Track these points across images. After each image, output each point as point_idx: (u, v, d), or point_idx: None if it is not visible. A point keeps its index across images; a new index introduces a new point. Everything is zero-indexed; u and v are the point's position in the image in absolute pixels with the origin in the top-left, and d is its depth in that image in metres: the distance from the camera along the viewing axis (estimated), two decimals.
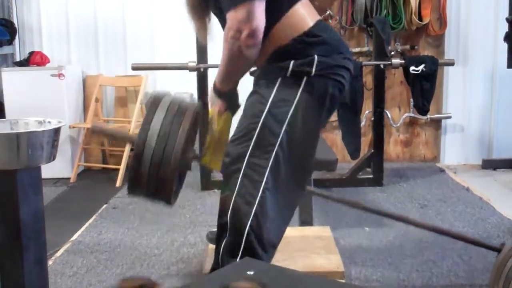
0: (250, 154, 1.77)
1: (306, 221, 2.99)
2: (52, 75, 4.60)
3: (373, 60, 4.33)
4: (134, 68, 4.19)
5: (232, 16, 1.67)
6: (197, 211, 3.77)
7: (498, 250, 2.21)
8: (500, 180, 4.55)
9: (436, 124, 5.07)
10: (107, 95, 5.12)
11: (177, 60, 4.20)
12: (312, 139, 1.88)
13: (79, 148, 4.78)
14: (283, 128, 1.77)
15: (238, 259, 1.75)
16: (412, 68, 4.17)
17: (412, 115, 5.00)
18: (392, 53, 4.73)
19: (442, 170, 4.80)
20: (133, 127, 4.58)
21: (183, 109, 1.84)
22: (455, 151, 5.05)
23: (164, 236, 3.31)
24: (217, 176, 4.17)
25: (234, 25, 1.67)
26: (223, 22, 1.87)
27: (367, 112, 4.81)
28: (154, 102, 1.85)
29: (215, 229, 1.95)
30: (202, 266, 2.60)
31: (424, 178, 4.55)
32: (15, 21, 5.03)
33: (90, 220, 3.62)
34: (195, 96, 4.19)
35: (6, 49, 4.95)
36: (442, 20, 4.83)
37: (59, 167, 4.40)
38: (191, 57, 4.08)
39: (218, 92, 1.91)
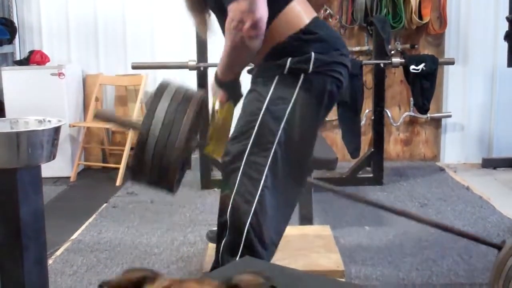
0: (249, 153, 1.77)
1: (306, 220, 2.99)
2: (52, 74, 4.60)
3: (373, 59, 4.33)
4: (134, 67, 4.19)
5: (235, 7, 1.66)
6: (197, 210, 3.77)
7: (499, 247, 2.22)
8: (500, 179, 4.55)
9: (436, 123, 5.07)
10: (107, 94, 5.12)
11: (177, 59, 4.20)
12: (311, 137, 1.88)
13: (79, 147, 4.78)
14: (281, 126, 1.76)
15: (238, 258, 1.75)
16: (412, 67, 4.17)
17: (412, 114, 5.00)
18: (392, 52, 4.73)
19: (442, 169, 4.80)
20: None
21: (188, 97, 1.84)
22: (455, 150, 5.05)
23: (164, 235, 3.31)
24: (217, 175, 4.18)
25: (237, 15, 1.65)
26: (221, 18, 1.87)
27: (367, 111, 4.80)
28: (159, 90, 1.85)
29: (215, 228, 1.95)
30: (202, 265, 2.61)
31: (424, 177, 4.55)
32: (15, 20, 5.03)
33: (90, 219, 3.62)
34: None
35: (6, 48, 4.95)
36: (442, 19, 4.83)
37: (59, 166, 4.39)
38: (191, 56, 4.08)
39: (219, 82, 1.89)
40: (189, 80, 4.27)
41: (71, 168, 4.67)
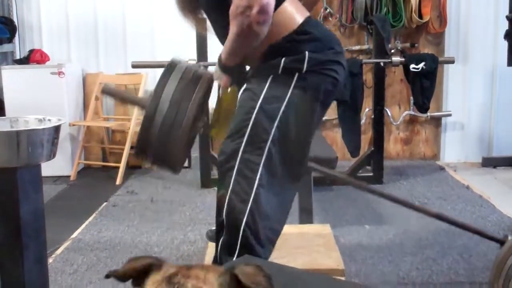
0: (243, 151, 1.76)
1: (306, 219, 2.99)
2: (52, 73, 4.60)
3: (373, 58, 4.33)
4: (134, 66, 4.19)
5: None
6: (197, 209, 3.77)
7: (501, 241, 2.22)
8: (500, 178, 4.55)
9: (436, 122, 5.07)
10: None
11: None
12: (306, 135, 1.87)
13: (79, 146, 4.78)
14: (275, 125, 1.76)
15: (236, 257, 1.75)
16: (412, 66, 4.17)
17: (412, 113, 5.00)
18: (392, 51, 4.73)
19: (442, 168, 4.80)
20: (133, 125, 4.59)
21: (197, 76, 1.83)
22: (455, 149, 5.06)
23: (164, 234, 3.31)
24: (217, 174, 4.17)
25: (243, 1, 1.63)
26: (213, 17, 1.87)
27: (367, 110, 4.81)
28: (169, 68, 1.85)
29: (215, 227, 1.95)
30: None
31: (424, 176, 4.55)
32: (15, 19, 5.03)
33: (90, 218, 3.62)
34: None
35: (6, 47, 4.95)
36: (442, 18, 4.83)
37: (59, 165, 4.39)
38: (191, 55, 4.08)
39: (223, 67, 1.86)
40: None
41: (71, 167, 4.68)
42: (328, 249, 2.60)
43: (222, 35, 1.86)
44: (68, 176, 4.63)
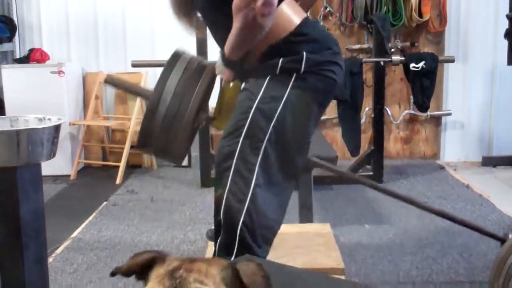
0: (240, 151, 1.76)
1: (306, 218, 2.99)
2: (52, 72, 4.59)
3: (373, 57, 4.33)
4: (134, 65, 4.18)
5: None
6: (197, 208, 3.77)
7: (502, 240, 2.22)
8: (500, 177, 4.55)
9: (436, 121, 5.07)
10: (107, 92, 5.12)
11: None
12: (303, 136, 1.87)
13: (79, 145, 4.78)
14: (272, 124, 1.76)
15: (233, 256, 1.75)
16: (412, 65, 4.17)
17: (412, 112, 5.00)
18: (392, 50, 4.72)
19: (442, 167, 4.80)
20: (133, 124, 4.59)
21: (201, 68, 1.83)
22: (455, 148, 5.06)
23: (164, 233, 3.31)
24: None
25: None
26: (211, 19, 1.89)
27: (367, 109, 4.81)
28: (173, 59, 1.84)
29: (214, 227, 1.95)
30: None
31: (424, 175, 4.55)
32: (15, 18, 5.03)
33: (90, 218, 3.62)
34: None
35: (6, 46, 4.95)
36: (442, 17, 4.83)
37: (59, 165, 4.39)
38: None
39: (226, 61, 1.85)
40: None
41: (71, 166, 4.68)
42: (328, 248, 2.60)
43: (220, 37, 1.86)
44: (68, 176, 4.63)
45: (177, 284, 1.02)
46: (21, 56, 5.00)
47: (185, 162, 4.86)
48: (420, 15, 4.73)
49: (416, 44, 4.89)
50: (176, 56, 1.87)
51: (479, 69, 4.92)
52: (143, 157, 4.96)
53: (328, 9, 4.87)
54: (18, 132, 1.95)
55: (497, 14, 4.77)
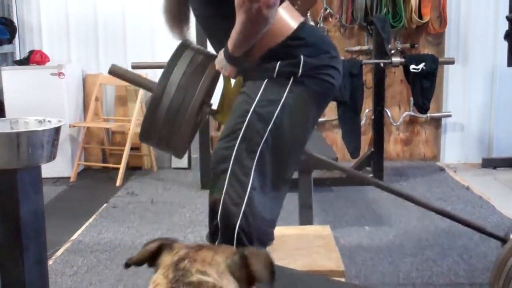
0: (236, 154, 1.76)
1: (306, 220, 2.99)
2: (52, 74, 4.59)
3: (373, 58, 4.33)
4: (134, 67, 4.18)
5: None
6: (197, 210, 3.77)
7: (503, 240, 2.22)
8: (500, 179, 4.54)
9: (436, 122, 5.07)
10: (107, 94, 5.12)
11: None
12: (300, 139, 1.88)
13: (79, 147, 4.78)
14: (268, 128, 1.76)
15: None
16: (412, 66, 4.17)
17: (412, 113, 5.00)
18: (392, 51, 4.73)
19: (442, 169, 4.80)
20: (133, 126, 4.59)
21: (206, 61, 1.83)
22: (455, 150, 5.05)
23: (164, 235, 3.30)
24: None
25: None
26: (213, 24, 1.88)
27: (367, 110, 4.80)
28: (178, 51, 1.84)
29: (208, 229, 1.95)
30: None
31: (424, 177, 4.55)
32: (15, 20, 5.03)
33: (90, 220, 3.62)
34: None
35: (6, 48, 4.95)
36: (442, 19, 4.83)
37: (59, 166, 4.39)
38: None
39: (229, 57, 1.83)
40: None
41: (71, 168, 4.67)
42: (328, 250, 2.60)
43: (216, 40, 1.87)
44: (68, 178, 4.63)
45: (179, 276, 1.02)
46: (21, 58, 5.00)
47: (185, 164, 4.86)
48: (420, 16, 4.73)
49: (416, 45, 4.89)
50: (183, 46, 1.86)
51: (479, 71, 4.92)
52: (143, 159, 4.96)
53: (328, 10, 4.87)
54: (18, 134, 1.95)
55: (497, 16, 4.78)
